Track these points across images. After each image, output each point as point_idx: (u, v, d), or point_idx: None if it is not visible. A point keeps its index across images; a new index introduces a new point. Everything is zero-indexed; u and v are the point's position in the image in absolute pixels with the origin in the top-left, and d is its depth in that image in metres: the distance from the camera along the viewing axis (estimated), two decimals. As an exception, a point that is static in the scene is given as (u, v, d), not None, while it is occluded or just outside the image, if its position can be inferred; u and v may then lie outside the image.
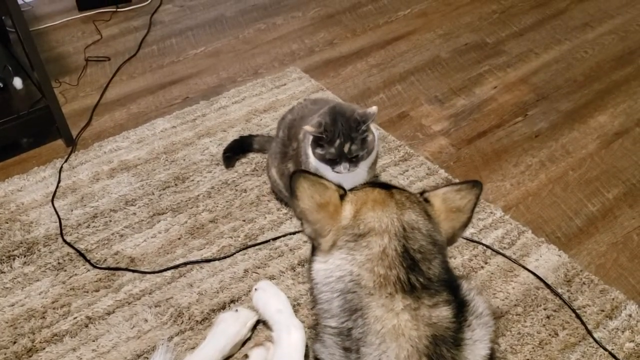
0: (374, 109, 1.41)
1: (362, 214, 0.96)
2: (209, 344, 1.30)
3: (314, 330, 0.98)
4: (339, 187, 1.01)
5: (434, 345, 0.87)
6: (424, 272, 0.92)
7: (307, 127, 1.40)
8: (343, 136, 1.38)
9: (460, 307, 0.93)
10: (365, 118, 1.39)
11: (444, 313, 0.90)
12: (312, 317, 1.03)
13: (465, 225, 1.02)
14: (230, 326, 1.33)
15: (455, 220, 1.01)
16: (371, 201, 0.98)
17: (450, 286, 0.94)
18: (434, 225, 0.99)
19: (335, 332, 0.92)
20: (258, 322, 1.39)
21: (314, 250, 1.01)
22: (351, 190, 1.04)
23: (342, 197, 1.00)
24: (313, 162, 1.45)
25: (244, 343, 1.35)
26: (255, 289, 1.40)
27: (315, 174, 1.00)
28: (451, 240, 1.03)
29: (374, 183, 1.06)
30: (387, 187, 1.04)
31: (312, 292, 0.99)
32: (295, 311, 1.37)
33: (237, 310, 1.37)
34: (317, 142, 1.41)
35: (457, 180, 1.76)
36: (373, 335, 0.88)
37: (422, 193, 1.04)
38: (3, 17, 2.20)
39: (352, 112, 1.41)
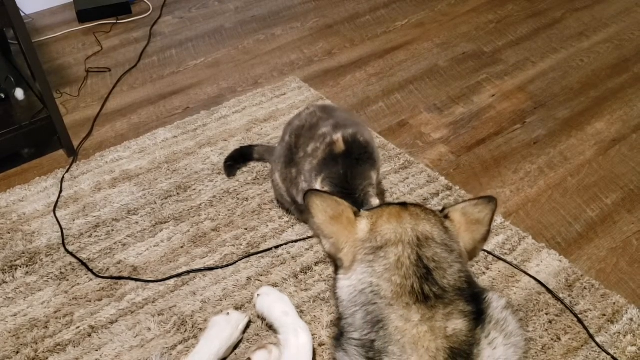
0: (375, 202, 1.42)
1: (378, 226, 1.00)
2: (204, 348, 1.31)
3: (337, 341, 0.99)
4: (353, 206, 1.06)
5: (452, 358, 0.88)
6: (437, 282, 0.93)
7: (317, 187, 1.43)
8: None
9: (481, 321, 0.92)
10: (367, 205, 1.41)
11: (459, 326, 0.90)
12: (334, 329, 1.04)
13: (485, 238, 1.05)
14: (224, 329, 1.34)
15: (476, 232, 1.04)
16: (387, 215, 1.02)
17: (469, 297, 0.94)
18: (450, 235, 1.01)
19: (359, 343, 0.93)
20: (249, 324, 1.40)
21: (337, 269, 1.04)
22: (366, 209, 1.08)
23: (356, 214, 1.04)
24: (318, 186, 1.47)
25: (236, 346, 1.36)
26: (258, 295, 1.41)
27: (327, 192, 1.06)
28: (472, 253, 1.05)
29: (390, 203, 1.10)
30: (403, 204, 1.07)
31: (338, 310, 1.01)
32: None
33: (228, 313, 1.38)
34: None
35: (457, 187, 1.77)
36: (394, 345, 0.89)
37: (442, 210, 1.08)
38: (5, 29, 2.21)
39: (362, 191, 1.42)
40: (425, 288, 0.92)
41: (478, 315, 0.92)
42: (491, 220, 1.05)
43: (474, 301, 0.94)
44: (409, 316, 0.90)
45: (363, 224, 1.01)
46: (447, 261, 0.96)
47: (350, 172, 1.43)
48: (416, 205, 1.07)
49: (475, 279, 0.99)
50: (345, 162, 1.45)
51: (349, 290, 0.98)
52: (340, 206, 1.03)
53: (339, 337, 0.98)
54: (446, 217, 1.05)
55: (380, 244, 0.97)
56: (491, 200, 1.06)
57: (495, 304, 0.96)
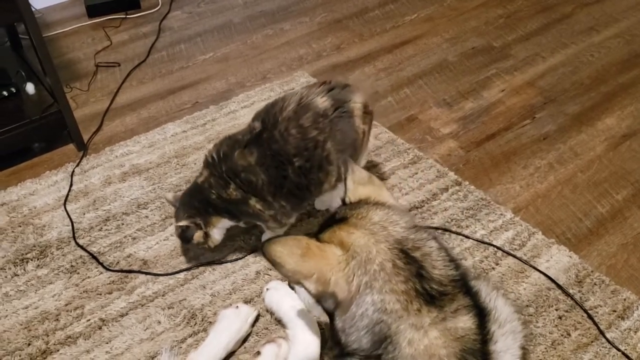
0: None
1: (345, 241, 0.93)
2: (213, 341, 1.32)
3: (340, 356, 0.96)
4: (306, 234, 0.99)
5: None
6: (431, 275, 0.91)
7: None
8: None
9: (482, 315, 0.90)
10: None
11: (467, 324, 0.88)
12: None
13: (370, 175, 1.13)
14: (233, 323, 1.35)
15: (372, 182, 1.10)
16: (339, 230, 0.96)
17: (464, 288, 0.92)
18: (395, 209, 1.00)
19: (364, 355, 0.91)
20: (258, 318, 1.41)
21: (332, 315, 0.94)
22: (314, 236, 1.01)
23: (318, 240, 0.97)
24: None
25: (245, 339, 1.37)
26: (267, 289, 1.42)
27: (280, 236, 0.98)
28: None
29: (322, 225, 1.04)
30: (341, 219, 1.01)
31: (340, 341, 0.94)
32: (307, 311, 1.37)
33: (237, 306, 1.38)
34: None
35: (466, 182, 1.76)
36: (404, 359, 0.86)
37: (344, 203, 1.07)
38: (16, 24, 2.23)
39: None
40: (426, 286, 0.89)
41: (480, 309, 0.91)
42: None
43: (469, 292, 0.92)
44: (420, 322, 0.87)
45: (332, 246, 0.94)
46: (421, 239, 0.94)
47: None
48: (343, 209, 1.03)
49: (455, 258, 0.97)
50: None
51: (349, 317, 0.91)
52: (302, 240, 0.93)
53: (343, 354, 0.94)
54: (359, 200, 1.04)
55: (365, 256, 0.91)
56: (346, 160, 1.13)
57: (484, 293, 0.94)
